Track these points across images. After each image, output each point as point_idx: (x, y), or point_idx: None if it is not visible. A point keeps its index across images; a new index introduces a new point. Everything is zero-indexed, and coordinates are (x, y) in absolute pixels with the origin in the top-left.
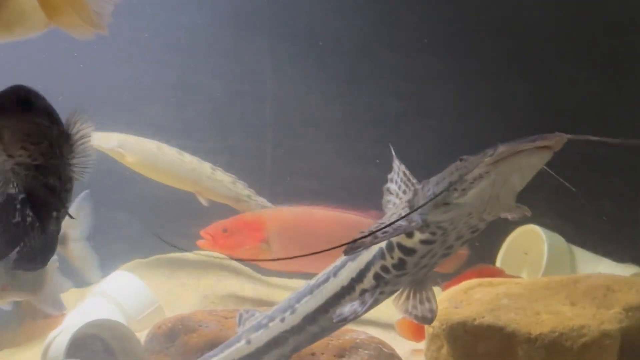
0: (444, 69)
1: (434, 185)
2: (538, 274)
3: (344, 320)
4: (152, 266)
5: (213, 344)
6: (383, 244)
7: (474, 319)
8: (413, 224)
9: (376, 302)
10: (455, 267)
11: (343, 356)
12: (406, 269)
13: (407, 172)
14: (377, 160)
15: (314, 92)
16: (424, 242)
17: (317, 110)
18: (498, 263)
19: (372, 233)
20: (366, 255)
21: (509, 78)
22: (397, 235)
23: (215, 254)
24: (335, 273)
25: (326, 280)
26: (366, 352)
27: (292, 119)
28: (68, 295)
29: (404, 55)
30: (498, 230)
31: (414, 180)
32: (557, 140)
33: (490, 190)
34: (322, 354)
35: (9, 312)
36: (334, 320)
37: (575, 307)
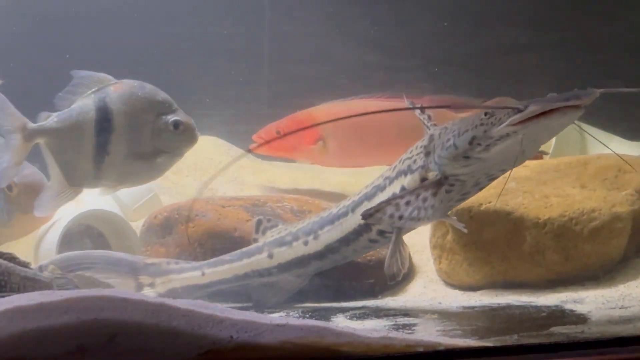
0: None
1: (454, 135)
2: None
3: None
4: None
5: (211, 234)
6: (397, 189)
7: (480, 204)
8: (430, 176)
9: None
10: None
11: None
12: (420, 215)
13: (426, 117)
14: None
15: None
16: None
17: None
18: None
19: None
20: (382, 196)
21: None
22: (418, 193)
23: None
24: (353, 209)
25: (345, 214)
26: None
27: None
28: None
29: None
30: None
31: (430, 124)
32: (590, 98)
33: (517, 147)
34: None
35: None
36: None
37: (585, 190)
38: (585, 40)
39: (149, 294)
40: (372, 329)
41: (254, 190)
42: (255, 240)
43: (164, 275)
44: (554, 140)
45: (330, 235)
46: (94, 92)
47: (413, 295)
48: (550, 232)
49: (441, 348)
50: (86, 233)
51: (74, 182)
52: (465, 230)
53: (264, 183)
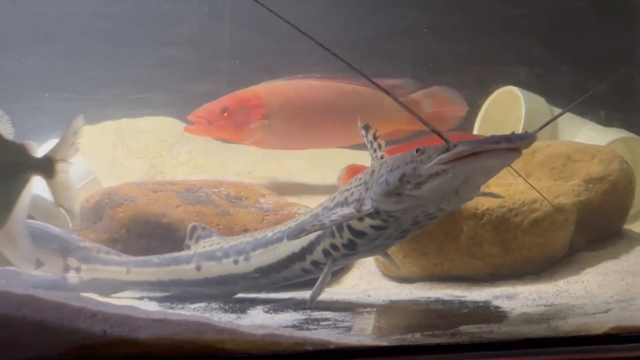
0: None
1: (387, 171)
2: None
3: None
4: (98, 133)
5: (138, 219)
6: None
7: None
8: (363, 209)
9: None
10: (455, 124)
11: None
12: (357, 249)
13: (375, 144)
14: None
15: None
16: (374, 227)
17: None
18: (476, 129)
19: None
20: None
21: None
22: (346, 221)
23: None
24: (289, 235)
25: (280, 240)
26: None
27: None
28: None
29: None
30: (475, 92)
31: (375, 154)
32: (526, 142)
33: (448, 187)
34: (256, 230)
35: None
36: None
37: (530, 179)
38: (492, 24)
39: (71, 278)
40: (259, 325)
41: (205, 174)
42: (187, 247)
43: (91, 263)
44: (522, 125)
45: (262, 258)
46: None
47: (346, 286)
48: (489, 223)
49: (332, 347)
50: None
51: None
52: (400, 269)
53: (217, 167)
